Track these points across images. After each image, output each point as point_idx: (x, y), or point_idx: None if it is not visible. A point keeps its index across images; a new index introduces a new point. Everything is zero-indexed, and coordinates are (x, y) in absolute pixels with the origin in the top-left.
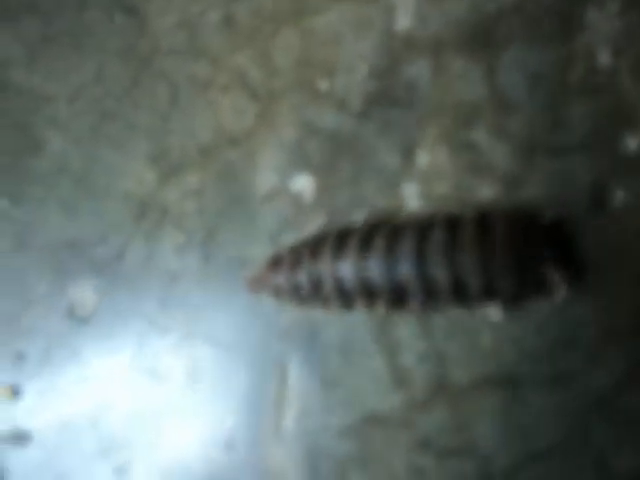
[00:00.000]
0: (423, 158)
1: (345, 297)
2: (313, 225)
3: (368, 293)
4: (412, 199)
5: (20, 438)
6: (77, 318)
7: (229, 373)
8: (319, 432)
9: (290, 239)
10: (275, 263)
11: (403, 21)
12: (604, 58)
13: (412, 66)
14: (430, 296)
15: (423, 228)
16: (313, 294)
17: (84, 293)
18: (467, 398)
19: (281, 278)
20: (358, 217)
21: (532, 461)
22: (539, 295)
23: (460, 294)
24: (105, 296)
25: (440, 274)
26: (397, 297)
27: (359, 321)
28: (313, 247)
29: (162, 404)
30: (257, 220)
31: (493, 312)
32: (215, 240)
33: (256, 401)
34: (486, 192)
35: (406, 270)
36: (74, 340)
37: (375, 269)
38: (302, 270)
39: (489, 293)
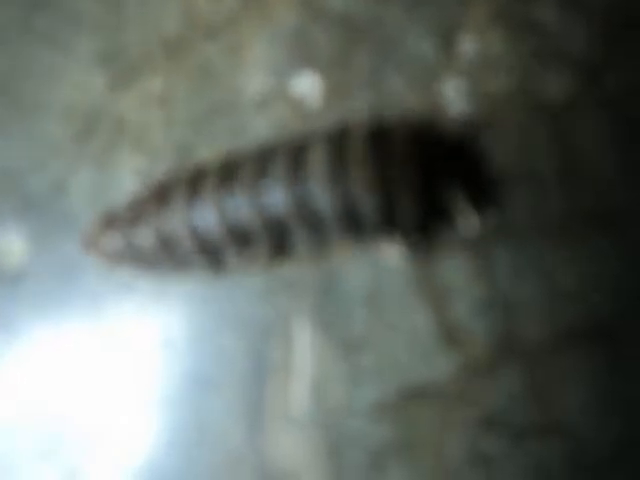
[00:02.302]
0: (469, 45)
1: (210, 250)
2: (322, 137)
3: (239, 239)
4: (456, 98)
5: None
6: (2, 274)
7: (213, 338)
8: (342, 412)
9: None
10: (108, 222)
11: None
12: None
13: None
14: (317, 232)
15: (299, 148)
16: (164, 254)
17: (11, 240)
18: (545, 358)
19: (116, 240)
20: (384, 122)
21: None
22: (445, 226)
23: (353, 226)
24: (40, 243)
25: (324, 202)
26: (278, 237)
27: (390, 264)
28: (157, 195)
29: (125, 385)
30: (246, 134)
31: (391, 251)
32: (190, 161)
33: (253, 375)
34: (557, 86)
35: (281, 200)
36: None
37: (243, 205)
38: (145, 226)
39: (388, 223)
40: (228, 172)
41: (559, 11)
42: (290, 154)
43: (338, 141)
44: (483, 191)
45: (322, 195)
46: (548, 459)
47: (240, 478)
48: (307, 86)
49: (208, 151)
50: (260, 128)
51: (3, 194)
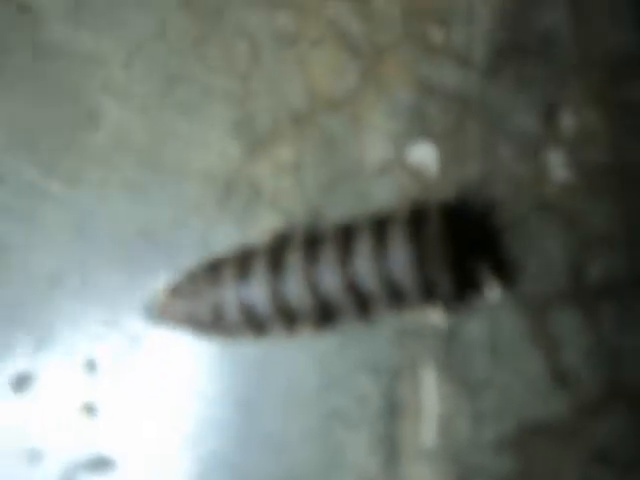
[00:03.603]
0: (569, 119)
1: (257, 324)
2: (439, 202)
3: (287, 316)
4: (558, 168)
5: (99, 465)
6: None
7: (349, 380)
8: (468, 447)
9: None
10: (174, 291)
11: None
12: None
13: (547, 10)
14: (363, 306)
15: (345, 233)
16: (216, 324)
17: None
18: None
19: (180, 309)
20: (492, 192)
21: None
22: (474, 294)
23: (395, 299)
24: None
25: (371, 280)
26: (324, 314)
27: (507, 314)
28: (213, 269)
29: (267, 421)
30: (369, 198)
31: (436, 316)
32: (320, 220)
33: (386, 413)
34: None
35: (332, 281)
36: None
37: (293, 288)
38: (201, 298)
39: (426, 295)
40: (277, 252)
41: None
42: (338, 238)
43: (381, 224)
44: (503, 262)
45: (368, 275)
46: None
47: None
48: (424, 155)
49: (335, 213)
50: (381, 194)
51: (153, 247)
